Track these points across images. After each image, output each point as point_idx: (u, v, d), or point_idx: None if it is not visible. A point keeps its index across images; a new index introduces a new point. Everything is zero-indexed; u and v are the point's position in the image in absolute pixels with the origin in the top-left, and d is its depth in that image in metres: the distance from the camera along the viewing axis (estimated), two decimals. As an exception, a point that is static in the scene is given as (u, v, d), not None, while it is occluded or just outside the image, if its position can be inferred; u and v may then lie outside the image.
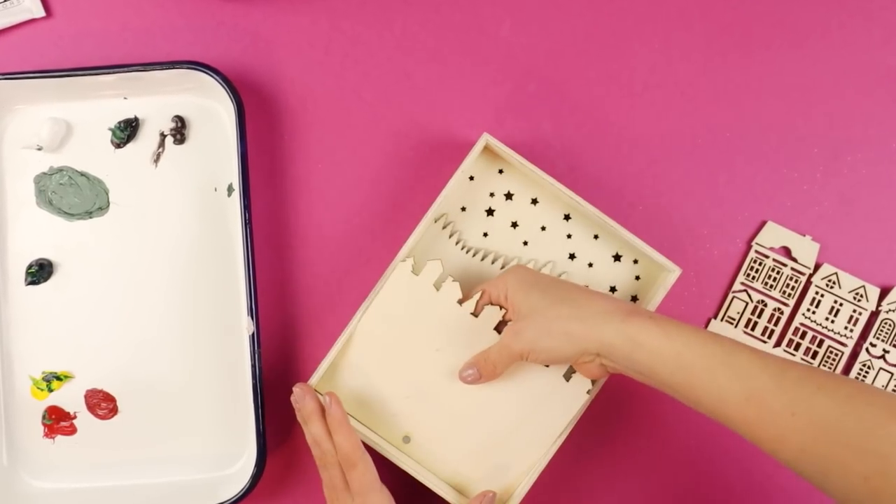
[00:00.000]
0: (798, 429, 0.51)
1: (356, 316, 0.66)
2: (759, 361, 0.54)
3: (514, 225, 0.70)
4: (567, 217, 0.70)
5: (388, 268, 0.66)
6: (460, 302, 0.66)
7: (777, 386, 0.52)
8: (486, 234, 0.70)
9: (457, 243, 0.70)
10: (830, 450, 0.50)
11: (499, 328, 0.66)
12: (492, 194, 0.70)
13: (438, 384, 0.67)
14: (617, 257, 0.70)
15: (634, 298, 0.70)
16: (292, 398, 0.65)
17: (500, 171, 0.70)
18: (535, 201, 0.70)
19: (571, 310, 0.59)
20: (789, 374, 0.53)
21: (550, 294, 0.61)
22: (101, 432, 0.71)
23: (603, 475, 0.73)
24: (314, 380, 0.66)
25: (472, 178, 0.70)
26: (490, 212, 0.70)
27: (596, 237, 0.70)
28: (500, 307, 0.65)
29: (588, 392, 0.66)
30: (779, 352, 0.72)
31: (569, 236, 0.70)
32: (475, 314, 0.66)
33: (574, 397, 0.66)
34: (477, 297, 0.66)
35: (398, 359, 0.67)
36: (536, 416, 0.66)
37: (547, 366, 0.66)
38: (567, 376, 0.66)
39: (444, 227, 0.69)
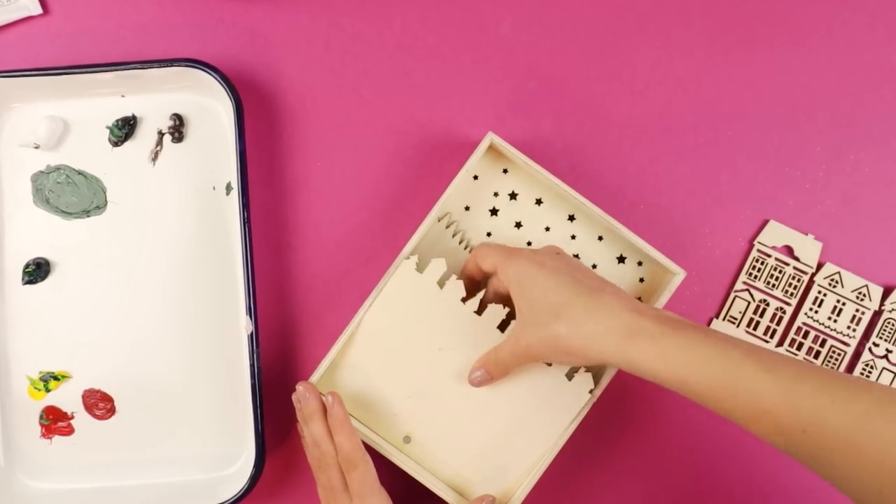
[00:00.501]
0: (811, 444, 0.50)
1: (359, 313, 0.66)
2: (769, 376, 0.52)
3: (518, 225, 0.70)
4: (571, 218, 0.70)
5: (392, 265, 0.66)
6: (464, 300, 0.66)
7: (787, 403, 0.51)
8: (489, 234, 0.70)
9: (460, 242, 0.69)
10: (844, 462, 0.49)
11: (502, 326, 0.65)
12: (496, 194, 0.70)
13: (440, 384, 0.66)
14: (621, 259, 0.70)
15: (638, 300, 0.69)
16: (294, 396, 0.65)
17: (505, 171, 0.70)
18: (539, 202, 0.70)
19: (569, 327, 0.57)
20: (801, 387, 0.51)
21: (551, 304, 0.59)
22: (98, 432, 0.70)
23: (604, 477, 0.72)
24: (314, 378, 0.66)
25: (476, 178, 0.70)
26: (494, 211, 0.70)
27: (600, 238, 0.70)
28: (504, 305, 0.65)
29: (590, 392, 0.66)
30: (781, 352, 0.71)
31: (573, 237, 0.70)
32: (478, 312, 0.66)
33: (576, 396, 0.66)
34: (481, 295, 0.65)
35: (400, 358, 0.66)
36: (538, 416, 0.66)
37: (549, 364, 0.66)
38: (569, 375, 0.66)
39: (447, 227, 0.69)
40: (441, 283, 0.66)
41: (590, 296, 0.58)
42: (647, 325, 0.56)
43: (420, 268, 0.66)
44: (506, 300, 0.65)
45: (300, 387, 0.65)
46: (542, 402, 0.66)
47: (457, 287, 0.66)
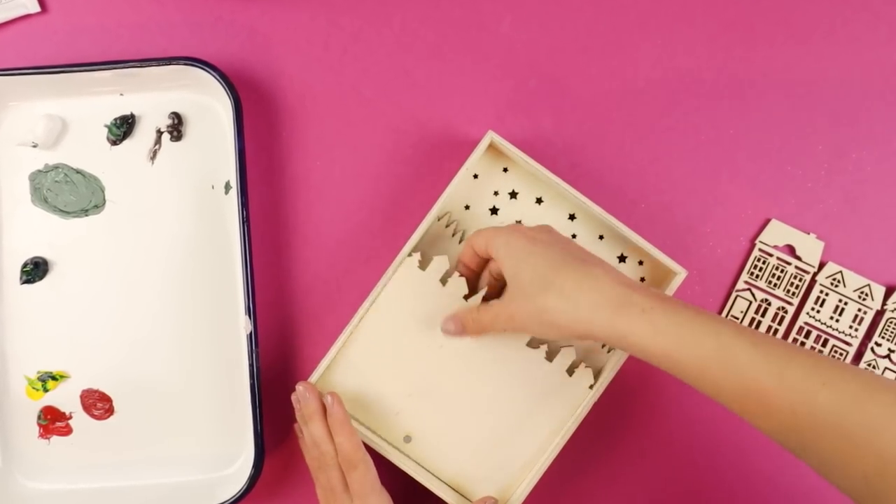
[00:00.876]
0: (799, 426, 0.50)
1: (359, 312, 0.65)
2: (760, 355, 0.51)
3: (519, 224, 0.69)
4: (572, 217, 0.69)
5: (393, 264, 0.65)
6: (466, 297, 0.65)
7: (778, 382, 0.50)
8: (489, 233, 0.70)
9: (460, 242, 0.69)
10: (832, 446, 0.49)
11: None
12: (496, 193, 0.69)
13: (442, 381, 0.66)
14: (622, 258, 0.69)
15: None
16: (293, 397, 0.65)
17: (505, 170, 0.69)
18: (539, 200, 0.69)
19: (559, 301, 0.56)
20: (792, 368, 0.50)
21: (540, 276, 0.57)
22: (97, 433, 0.70)
23: (604, 477, 0.72)
24: (314, 378, 0.65)
25: (476, 177, 0.69)
26: (494, 210, 0.69)
27: (601, 238, 0.69)
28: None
29: (590, 387, 0.65)
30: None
31: (574, 236, 0.69)
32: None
33: (577, 392, 0.66)
34: (483, 292, 0.64)
35: (401, 356, 0.66)
36: (540, 413, 0.66)
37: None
38: (570, 371, 0.65)
39: (447, 226, 0.69)
40: (443, 281, 0.65)
41: (580, 268, 0.57)
42: (638, 299, 0.55)
43: (422, 265, 0.65)
44: (504, 285, 0.64)
45: (300, 387, 0.64)
46: (544, 398, 0.66)
47: (459, 284, 0.65)
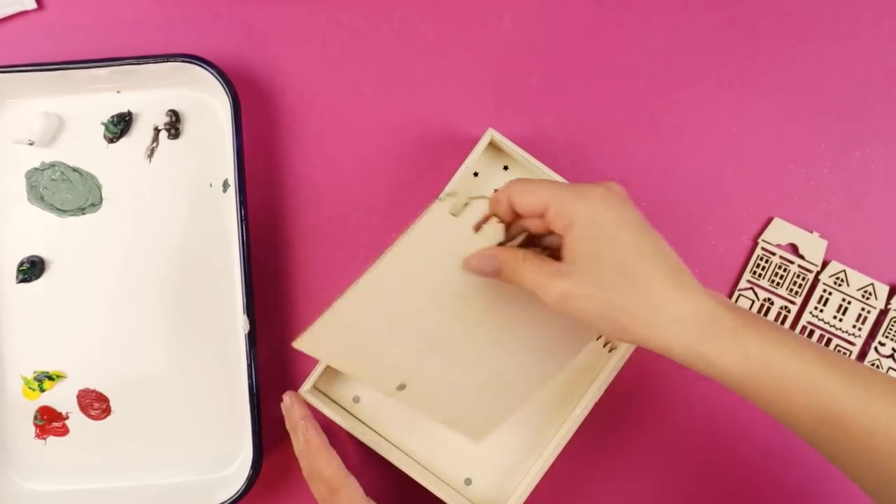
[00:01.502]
0: (873, 448, 0.48)
1: (375, 264, 0.56)
2: (842, 379, 0.48)
3: (519, 222, 0.68)
4: (573, 215, 0.68)
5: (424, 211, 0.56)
6: (502, 244, 0.56)
7: (860, 407, 0.47)
8: (489, 231, 0.68)
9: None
10: None
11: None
12: (496, 191, 0.69)
13: (446, 336, 0.58)
14: (623, 256, 0.68)
15: None
16: (282, 406, 0.65)
17: (505, 168, 0.69)
18: (540, 198, 0.68)
19: (641, 305, 0.49)
20: (874, 390, 0.48)
21: (624, 266, 0.49)
22: (93, 433, 0.70)
23: (607, 478, 0.72)
24: (309, 384, 0.65)
25: (476, 174, 0.69)
26: (494, 209, 0.68)
27: (602, 235, 0.68)
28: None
29: (605, 346, 0.64)
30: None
31: (574, 234, 0.68)
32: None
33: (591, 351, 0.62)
34: (521, 237, 0.55)
35: (414, 306, 0.57)
36: (543, 364, 0.60)
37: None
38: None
39: (447, 224, 0.67)
40: (478, 228, 0.56)
41: (669, 269, 0.50)
42: (724, 314, 0.49)
43: (456, 210, 0.55)
44: (532, 243, 0.55)
45: (286, 397, 0.65)
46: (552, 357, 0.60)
47: (495, 231, 0.55)
